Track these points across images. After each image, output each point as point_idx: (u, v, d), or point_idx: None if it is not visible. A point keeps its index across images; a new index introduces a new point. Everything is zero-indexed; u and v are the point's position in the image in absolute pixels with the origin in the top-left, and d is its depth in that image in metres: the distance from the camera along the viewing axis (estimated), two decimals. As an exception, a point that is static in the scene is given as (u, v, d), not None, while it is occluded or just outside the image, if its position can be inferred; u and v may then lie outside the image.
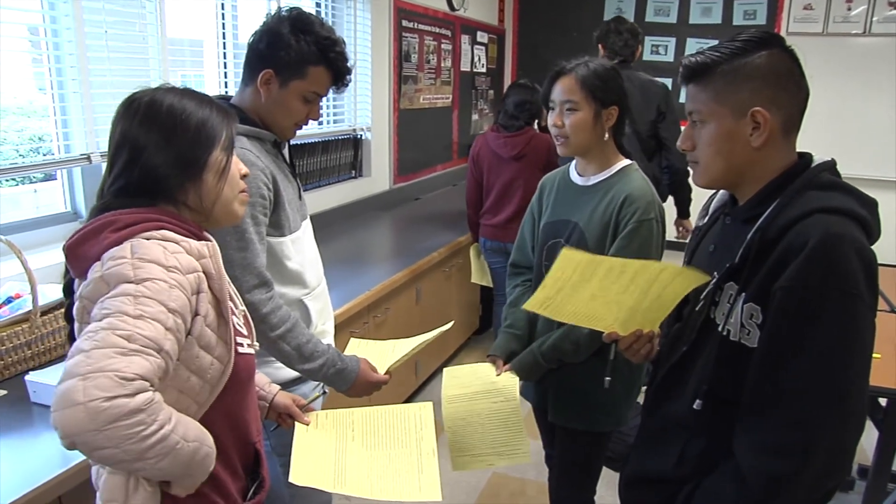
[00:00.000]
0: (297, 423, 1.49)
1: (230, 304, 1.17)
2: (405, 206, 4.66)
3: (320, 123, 3.95)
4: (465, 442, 1.82)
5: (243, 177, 1.25)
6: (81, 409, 0.89)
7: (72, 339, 1.18)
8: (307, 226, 1.75)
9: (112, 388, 0.91)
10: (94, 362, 0.92)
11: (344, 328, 2.62)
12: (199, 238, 1.15)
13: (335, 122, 4.10)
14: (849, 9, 5.65)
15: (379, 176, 4.48)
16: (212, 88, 3.26)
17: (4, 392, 1.75)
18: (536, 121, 3.85)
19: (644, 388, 1.56)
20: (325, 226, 3.56)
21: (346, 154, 4.19)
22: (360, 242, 3.69)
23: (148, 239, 1.06)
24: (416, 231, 4.01)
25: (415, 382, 3.61)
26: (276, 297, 1.55)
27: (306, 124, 1.66)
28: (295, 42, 1.52)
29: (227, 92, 1.65)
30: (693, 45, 5.99)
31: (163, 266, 1.04)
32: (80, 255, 1.08)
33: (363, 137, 4.30)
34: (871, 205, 1.15)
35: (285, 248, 1.62)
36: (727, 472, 1.18)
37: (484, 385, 1.85)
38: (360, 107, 4.24)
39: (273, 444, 1.66)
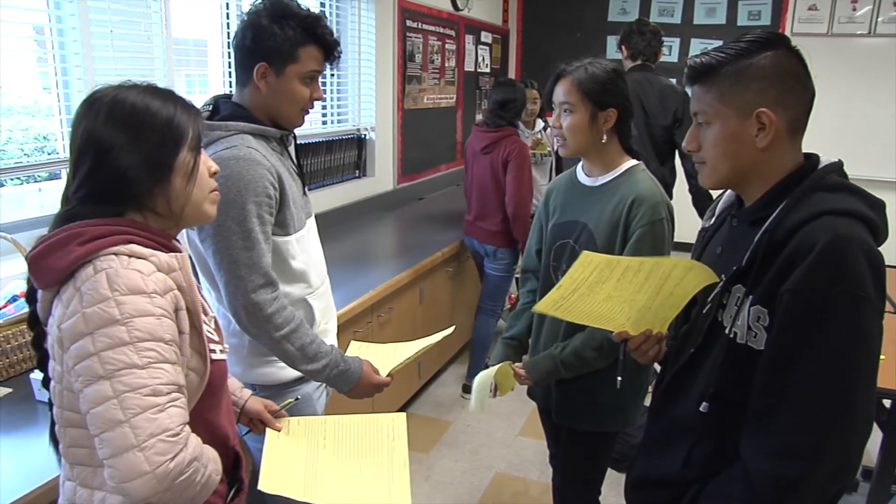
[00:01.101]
0: (268, 430, 1.47)
1: (201, 312, 1.15)
2: (409, 205, 4.66)
3: (324, 123, 3.96)
4: None
5: (213, 174, 1.22)
6: (150, 476, 0.97)
7: (36, 346, 1.16)
8: (312, 224, 1.75)
9: (170, 448, 0.99)
10: (142, 430, 0.98)
11: (348, 327, 2.63)
12: (169, 249, 1.12)
13: (339, 121, 4.10)
14: (854, 9, 5.64)
15: (383, 176, 4.48)
16: (216, 87, 3.27)
17: (10, 390, 1.76)
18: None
19: (651, 390, 1.56)
20: (328, 225, 3.57)
21: (349, 154, 4.19)
22: (363, 242, 3.69)
23: (117, 254, 1.04)
24: (420, 231, 4.01)
25: (418, 383, 3.61)
26: (281, 296, 1.55)
27: (312, 107, 1.65)
28: (279, 29, 1.51)
29: (231, 91, 1.65)
30: (697, 46, 5.98)
31: (145, 294, 1.02)
32: (44, 267, 1.05)
33: (367, 137, 4.30)
34: (880, 206, 1.14)
35: (290, 246, 1.62)
36: (734, 474, 1.17)
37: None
38: (364, 107, 4.24)
39: None
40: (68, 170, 1.12)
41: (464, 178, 3.82)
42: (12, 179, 2.34)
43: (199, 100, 1.55)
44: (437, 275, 3.59)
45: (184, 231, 1.59)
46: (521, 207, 3.45)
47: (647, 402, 1.56)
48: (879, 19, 5.58)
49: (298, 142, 1.77)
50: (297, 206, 1.64)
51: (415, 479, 2.97)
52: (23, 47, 2.31)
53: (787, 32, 5.66)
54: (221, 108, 1.60)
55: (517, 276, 3.56)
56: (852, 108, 5.63)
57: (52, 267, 1.04)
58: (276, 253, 1.58)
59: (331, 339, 1.80)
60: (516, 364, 1.85)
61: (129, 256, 1.04)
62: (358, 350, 1.81)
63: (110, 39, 2.43)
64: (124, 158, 1.07)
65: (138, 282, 1.02)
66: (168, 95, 1.14)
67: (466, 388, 3.76)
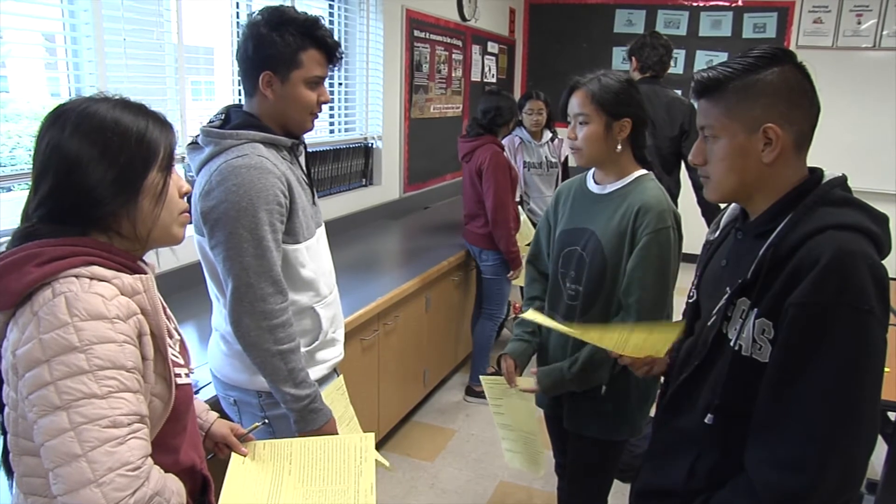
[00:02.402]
0: (232, 455, 1.41)
1: (166, 335, 1.11)
2: (415, 214, 4.68)
3: (331, 131, 3.98)
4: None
5: (184, 195, 1.16)
6: None
7: None
8: (321, 233, 1.77)
9: (130, 483, 0.94)
10: (101, 465, 0.93)
11: (354, 335, 2.64)
12: (134, 271, 1.07)
13: (346, 130, 4.12)
14: (858, 23, 5.66)
15: (389, 184, 4.50)
16: (223, 94, 3.30)
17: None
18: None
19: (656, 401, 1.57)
20: (335, 233, 3.57)
21: (356, 162, 4.22)
22: (370, 251, 3.71)
23: (77, 277, 0.98)
24: (426, 240, 4.03)
25: (422, 391, 3.62)
26: (289, 309, 1.56)
27: (320, 111, 1.67)
28: (279, 37, 1.53)
29: (239, 100, 1.66)
30: (702, 58, 5.99)
31: (106, 319, 0.97)
32: None
33: (374, 146, 4.33)
34: (883, 221, 1.15)
35: (300, 255, 1.63)
36: (738, 486, 1.18)
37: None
38: (372, 115, 4.27)
39: None
40: (30, 184, 1.04)
41: None
42: (20, 185, 2.36)
43: (207, 107, 1.57)
44: (443, 284, 3.61)
45: (193, 237, 1.60)
46: (499, 213, 3.48)
47: (653, 412, 1.57)
48: (884, 33, 5.59)
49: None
50: (307, 215, 1.66)
51: (419, 486, 2.99)
52: (32, 54, 2.34)
53: (792, 45, 5.68)
54: (232, 118, 1.62)
55: (519, 285, 3.56)
56: (856, 121, 5.64)
57: (7, 289, 0.98)
58: (285, 261, 1.59)
59: (338, 348, 1.81)
60: (528, 376, 1.89)
61: (91, 279, 0.99)
62: (335, 390, 1.79)
63: (123, 47, 2.46)
64: (89, 176, 1.01)
65: (99, 306, 0.97)
66: (140, 110, 1.08)
67: (469, 391, 3.78)
